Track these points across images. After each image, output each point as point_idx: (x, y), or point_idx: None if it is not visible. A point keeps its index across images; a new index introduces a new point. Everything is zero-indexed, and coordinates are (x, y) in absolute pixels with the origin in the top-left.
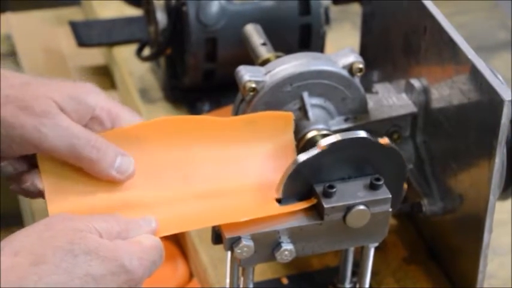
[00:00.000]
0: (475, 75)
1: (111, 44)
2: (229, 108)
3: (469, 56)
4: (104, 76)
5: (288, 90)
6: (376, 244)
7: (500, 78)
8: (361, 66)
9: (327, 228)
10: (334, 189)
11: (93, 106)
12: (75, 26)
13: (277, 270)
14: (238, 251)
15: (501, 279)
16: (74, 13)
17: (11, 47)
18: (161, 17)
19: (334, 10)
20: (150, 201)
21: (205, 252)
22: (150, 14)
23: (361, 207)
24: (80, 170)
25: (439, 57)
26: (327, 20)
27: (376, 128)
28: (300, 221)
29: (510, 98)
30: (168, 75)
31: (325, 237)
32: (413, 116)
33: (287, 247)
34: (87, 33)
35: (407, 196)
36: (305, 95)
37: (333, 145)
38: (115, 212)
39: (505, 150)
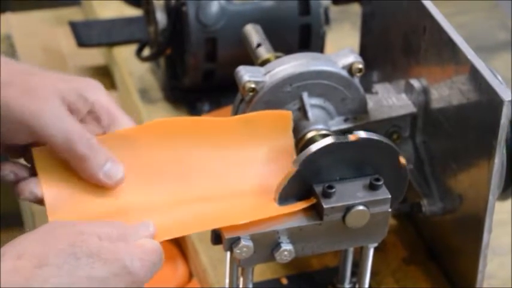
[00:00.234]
0: (475, 75)
1: (111, 44)
2: (229, 109)
3: (469, 56)
4: (104, 76)
5: (288, 90)
6: (376, 244)
7: (500, 78)
8: (360, 66)
9: (327, 229)
10: (333, 190)
11: (92, 101)
12: (75, 26)
13: (277, 271)
14: (238, 251)
15: (501, 279)
16: (73, 13)
17: (11, 47)
18: (161, 17)
19: (334, 10)
20: (149, 205)
21: (205, 253)
22: (149, 14)
23: (361, 207)
24: (78, 175)
25: (439, 57)
26: (327, 20)
27: (376, 128)
28: (300, 221)
29: (510, 99)
30: (168, 75)
31: (324, 237)
32: (412, 116)
33: (286, 247)
34: (87, 33)
35: (407, 196)
36: (305, 95)
37: (344, 143)
38: (114, 217)
39: (504, 151)
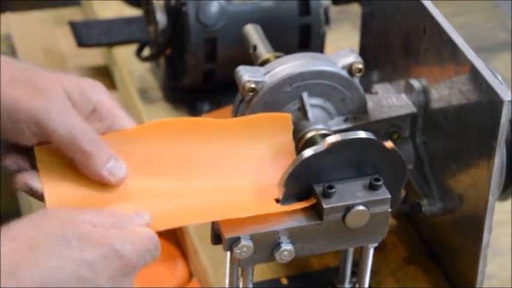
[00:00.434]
0: (475, 75)
1: (111, 44)
2: (229, 109)
3: (469, 57)
4: (104, 76)
5: (288, 90)
6: (376, 244)
7: (500, 78)
8: (360, 66)
9: (326, 229)
10: (333, 190)
11: (95, 101)
12: (74, 26)
13: (277, 271)
14: (238, 251)
15: (501, 279)
16: (73, 13)
17: (10, 47)
18: (161, 17)
19: (334, 10)
20: (146, 196)
21: (205, 253)
22: (149, 14)
23: (361, 207)
24: (77, 170)
25: (439, 57)
26: (327, 20)
27: (376, 128)
28: (300, 221)
29: (509, 99)
30: (168, 75)
31: (324, 237)
32: (412, 117)
33: (286, 247)
34: (86, 34)
35: (407, 196)
36: (304, 95)
37: (339, 144)
38: (109, 207)
39: (504, 151)
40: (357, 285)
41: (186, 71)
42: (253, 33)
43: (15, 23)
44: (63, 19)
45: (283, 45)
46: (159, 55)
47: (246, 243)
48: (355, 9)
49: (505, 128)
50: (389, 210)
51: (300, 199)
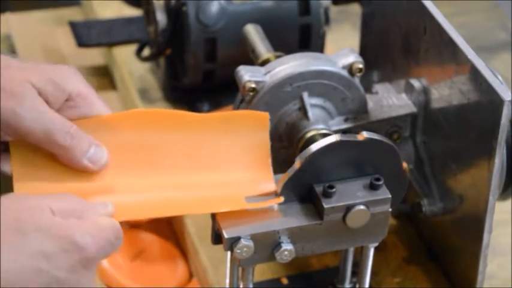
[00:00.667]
0: (475, 75)
1: (111, 44)
2: (229, 109)
3: (469, 57)
4: (104, 76)
5: (288, 90)
6: (376, 244)
7: (500, 78)
8: (361, 66)
9: (327, 229)
10: (333, 189)
11: (69, 90)
12: (74, 26)
13: (277, 271)
14: (238, 251)
15: (501, 279)
16: (73, 13)
17: (10, 47)
18: (161, 17)
19: (334, 10)
20: (114, 186)
21: (205, 253)
22: (149, 14)
23: (361, 207)
24: (50, 157)
25: (439, 57)
26: (327, 20)
27: (376, 128)
28: (300, 221)
29: (510, 99)
30: (168, 75)
31: (324, 237)
32: (413, 116)
33: (287, 247)
34: (86, 34)
35: (407, 196)
36: (305, 95)
37: (347, 143)
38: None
39: (504, 151)
40: (357, 285)
41: (186, 71)
42: (253, 33)
43: (15, 23)
44: (63, 19)
45: (283, 45)
46: (159, 55)
47: (246, 243)
48: (355, 9)
49: (505, 128)
50: (390, 210)
51: (300, 199)
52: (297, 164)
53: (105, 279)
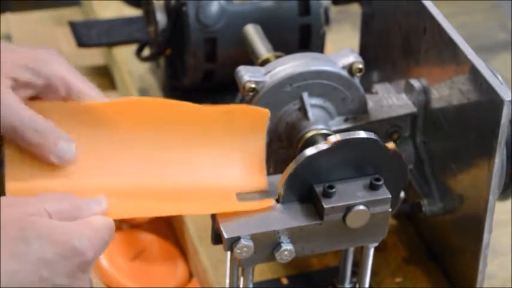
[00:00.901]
0: (475, 75)
1: (111, 44)
2: None
3: (469, 57)
4: (104, 76)
5: (288, 90)
6: (376, 244)
7: (500, 78)
8: (360, 66)
9: (327, 229)
10: (333, 190)
11: (47, 74)
12: (74, 26)
13: (277, 270)
14: (238, 251)
15: (501, 279)
16: (73, 13)
17: None
18: (161, 17)
19: (334, 10)
20: (107, 184)
21: (205, 253)
22: (149, 14)
23: (361, 207)
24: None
25: (439, 57)
26: (327, 20)
27: (376, 128)
28: (300, 221)
29: (510, 98)
30: (168, 75)
31: (324, 237)
32: (413, 116)
33: (287, 247)
34: (86, 34)
35: (407, 196)
36: (305, 95)
37: (342, 143)
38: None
39: (504, 151)
40: (357, 285)
41: (186, 71)
42: (253, 33)
43: (15, 23)
44: (63, 19)
45: (283, 45)
46: (159, 55)
47: (246, 243)
48: (355, 9)
49: (505, 128)
50: (390, 210)
51: (300, 199)
52: (293, 166)
53: (105, 279)
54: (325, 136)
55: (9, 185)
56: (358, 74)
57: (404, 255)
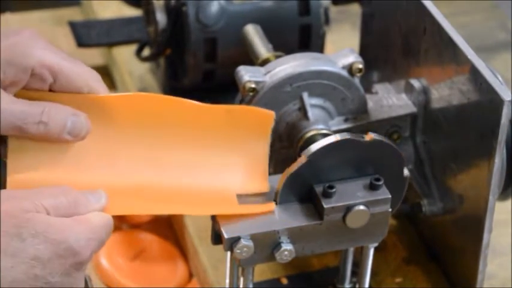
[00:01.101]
0: (475, 75)
1: (111, 44)
2: None
3: (469, 57)
4: (104, 76)
5: (288, 90)
6: (376, 244)
7: (500, 78)
8: (360, 66)
9: (327, 229)
10: (333, 190)
11: (31, 65)
12: (74, 26)
13: (277, 270)
14: (238, 251)
15: (501, 279)
16: (73, 13)
17: None
18: (161, 17)
19: (334, 10)
20: (107, 179)
21: (205, 253)
22: (149, 14)
23: (361, 207)
24: (44, 149)
25: (439, 57)
26: (327, 20)
27: (376, 128)
28: (300, 221)
29: (510, 98)
30: (168, 75)
31: (324, 237)
32: (413, 116)
33: (287, 247)
34: (86, 34)
35: (407, 196)
36: (305, 95)
37: (345, 142)
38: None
39: (504, 151)
40: (357, 285)
41: (186, 71)
42: (253, 33)
43: (15, 23)
44: (63, 19)
45: (283, 45)
46: (159, 55)
47: (246, 243)
48: (355, 9)
49: (505, 128)
50: (390, 210)
51: (300, 199)
52: (303, 158)
53: (105, 279)
54: (325, 136)
55: (11, 178)
56: (358, 74)
57: (404, 255)
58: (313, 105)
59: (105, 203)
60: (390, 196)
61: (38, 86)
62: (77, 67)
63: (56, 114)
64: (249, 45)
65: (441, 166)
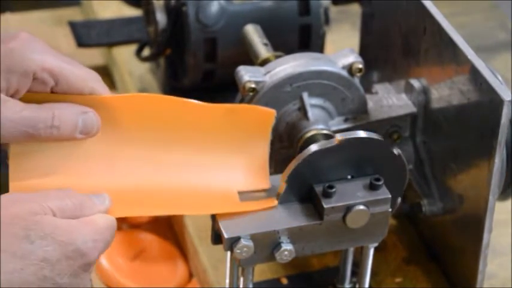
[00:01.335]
0: (475, 75)
1: (111, 44)
2: None
3: (469, 57)
4: (104, 76)
5: (288, 90)
6: (376, 244)
7: (500, 78)
8: (360, 66)
9: (327, 229)
10: (333, 190)
11: (32, 70)
12: (74, 26)
13: (277, 270)
14: (238, 251)
15: (501, 279)
16: (73, 13)
17: None
18: (161, 17)
19: (334, 10)
20: (110, 181)
21: (205, 253)
22: (149, 14)
23: (361, 207)
24: (47, 154)
25: (439, 57)
26: (327, 20)
27: (376, 128)
28: (300, 221)
29: (510, 98)
30: (168, 75)
31: (324, 237)
32: (413, 117)
33: (287, 247)
34: (86, 34)
35: (407, 196)
36: (305, 95)
37: (348, 141)
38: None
39: (504, 151)
40: (357, 285)
41: (186, 71)
42: (253, 33)
43: (15, 23)
44: (63, 19)
45: (283, 45)
46: (159, 55)
47: (246, 243)
48: (355, 9)
49: (505, 128)
50: (390, 210)
51: (300, 199)
52: (302, 158)
53: (105, 279)
54: (325, 136)
55: (13, 184)
56: (358, 74)
57: (404, 255)
58: (313, 105)
59: (109, 205)
60: (390, 196)
61: (39, 90)
62: (77, 69)
63: (66, 116)
64: (248, 45)
65: (441, 166)
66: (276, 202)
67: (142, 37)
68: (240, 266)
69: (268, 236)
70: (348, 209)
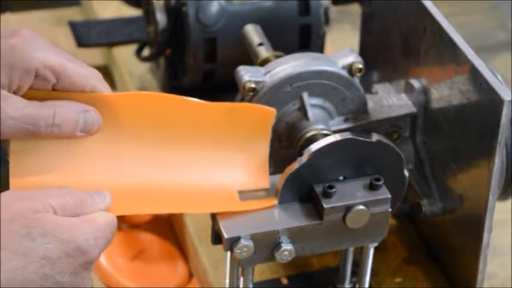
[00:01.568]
0: (475, 75)
1: (111, 44)
2: None
3: (469, 57)
4: (104, 76)
5: (288, 90)
6: (376, 244)
7: (500, 78)
8: (360, 66)
9: (327, 228)
10: (333, 190)
11: (35, 67)
12: (74, 26)
13: (277, 270)
14: (238, 251)
15: (501, 279)
16: (73, 13)
17: None
18: (161, 17)
19: (334, 10)
20: (111, 179)
21: (205, 253)
22: (149, 14)
23: (361, 207)
24: (48, 151)
25: (439, 57)
26: (327, 20)
27: (376, 128)
28: (300, 221)
29: (510, 98)
30: (168, 75)
31: (324, 237)
32: (412, 117)
33: (287, 247)
34: (86, 34)
35: (407, 196)
36: (305, 95)
37: (347, 141)
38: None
39: (504, 151)
40: (357, 285)
41: (186, 71)
42: (253, 33)
43: (15, 23)
44: (63, 19)
45: (283, 45)
46: (159, 55)
47: (246, 243)
48: (355, 9)
49: (505, 128)
50: (390, 210)
51: (300, 199)
52: (305, 158)
53: (105, 279)
54: (326, 136)
55: (13, 181)
56: (358, 74)
57: (404, 255)
58: (313, 105)
59: (110, 203)
60: (390, 196)
61: (41, 87)
62: (79, 67)
63: (67, 114)
64: (248, 45)
65: (441, 166)
66: (275, 201)
67: (142, 37)
68: (240, 266)
69: (268, 236)
70: (348, 209)
